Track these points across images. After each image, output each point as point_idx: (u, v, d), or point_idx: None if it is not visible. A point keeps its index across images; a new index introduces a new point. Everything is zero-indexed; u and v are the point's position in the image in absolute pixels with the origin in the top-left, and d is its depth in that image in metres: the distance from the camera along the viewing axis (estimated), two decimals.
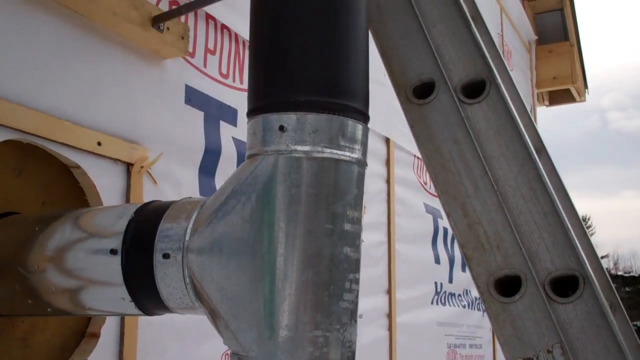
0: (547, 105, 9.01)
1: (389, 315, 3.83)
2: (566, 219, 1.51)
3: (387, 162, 4.07)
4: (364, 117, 1.46)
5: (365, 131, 1.46)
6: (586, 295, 1.44)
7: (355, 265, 1.41)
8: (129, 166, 2.18)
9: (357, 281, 1.41)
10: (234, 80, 2.79)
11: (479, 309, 5.17)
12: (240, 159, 2.69)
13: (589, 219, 32.38)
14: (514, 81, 2.24)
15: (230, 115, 2.71)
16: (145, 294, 1.55)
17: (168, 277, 1.49)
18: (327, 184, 1.38)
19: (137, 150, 2.20)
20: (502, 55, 2.28)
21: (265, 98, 1.45)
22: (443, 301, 4.55)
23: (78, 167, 2.02)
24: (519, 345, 1.46)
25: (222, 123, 2.66)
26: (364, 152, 1.46)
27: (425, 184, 4.50)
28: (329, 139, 1.39)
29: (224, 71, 2.74)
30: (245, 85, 2.85)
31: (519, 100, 2.24)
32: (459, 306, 4.81)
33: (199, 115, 2.55)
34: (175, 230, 1.50)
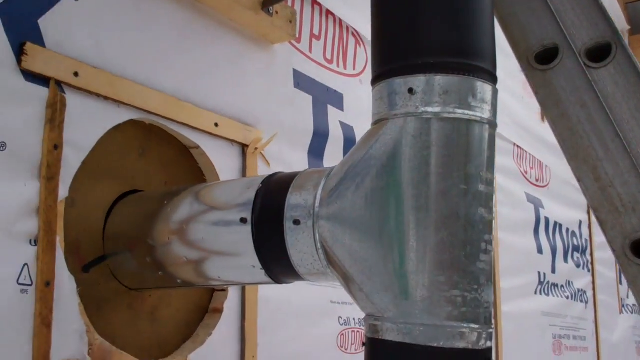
0: None
1: (494, 304, 3.77)
2: None
3: None
4: (493, 78, 1.44)
5: (495, 92, 1.45)
6: None
7: (490, 227, 1.39)
8: (244, 147, 2.22)
9: (491, 242, 1.40)
10: (338, 66, 2.80)
11: (581, 301, 5.04)
12: (347, 143, 2.71)
13: None
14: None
15: (337, 99, 2.73)
16: (276, 261, 1.58)
17: (299, 243, 1.51)
18: (459, 145, 1.37)
19: (251, 132, 2.24)
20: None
21: (393, 62, 1.45)
22: (546, 291, 4.45)
23: (197, 147, 2.07)
24: None
25: (329, 107, 2.68)
26: (494, 113, 1.44)
27: (526, 173, 4.42)
28: (459, 100, 1.38)
29: (329, 56, 2.76)
30: (349, 71, 2.88)
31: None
32: (562, 297, 4.70)
33: (308, 99, 2.58)
34: (305, 198, 1.52)
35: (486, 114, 1.41)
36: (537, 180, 4.53)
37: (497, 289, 3.80)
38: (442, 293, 1.31)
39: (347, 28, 2.87)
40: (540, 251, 4.45)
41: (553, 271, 4.59)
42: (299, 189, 1.55)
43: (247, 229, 1.58)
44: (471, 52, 1.43)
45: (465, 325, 1.31)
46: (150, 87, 1.91)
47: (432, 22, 1.43)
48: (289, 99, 2.49)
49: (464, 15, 1.44)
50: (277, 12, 2.32)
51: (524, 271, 4.21)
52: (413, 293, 1.33)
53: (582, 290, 5.02)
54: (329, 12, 2.77)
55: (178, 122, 1.99)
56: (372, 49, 1.55)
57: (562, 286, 4.72)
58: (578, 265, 5.09)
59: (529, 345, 4.13)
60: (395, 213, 1.37)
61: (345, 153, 2.68)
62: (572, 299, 4.88)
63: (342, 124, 2.74)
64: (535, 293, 4.33)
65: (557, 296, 4.64)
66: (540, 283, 4.39)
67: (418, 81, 1.40)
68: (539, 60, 1.72)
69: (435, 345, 1.30)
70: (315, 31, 2.71)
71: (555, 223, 4.72)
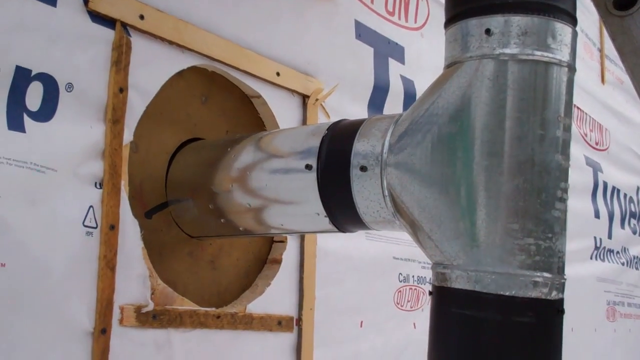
0: None
1: None
2: None
3: None
4: (572, 20, 1.38)
5: (575, 35, 1.39)
6: None
7: (566, 174, 1.34)
8: (304, 98, 2.19)
9: (567, 190, 1.35)
10: (399, 18, 2.74)
11: (637, 268, 4.93)
12: (407, 98, 2.65)
13: None
14: None
15: (398, 52, 2.68)
16: (341, 209, 1.55)
17: (366, 190, 1.48)
18: (537, 88, 1.32)
19: (312, 83, 2.21)
20: None
21: (470, 2, 1.40)
22: (602, 257, 4.36)
23: (259, 96, 2.05)
24: None
25: (390, 60, 2.63)
26: (574, 56, 1.38)
27: (586, 135, 4.31)
28: (537, 41, 1.33)
29: (390, 8, 2.70)
30: (411, 24, 2.82)
31: None
32: (618, 263, 4.60)
33: (369, 51, 2.53)
34: (372, 144, 1.49)
35: (565, 57, 1.35)
36: (596, 144, 4.42)
37: None
38: (515, 241, 1.27)
39: None
40: (597, 216, 4.36)
41: (609, 237, 4.49)
42: (367, 136, 1.52)
43: (312, 175, 1.56)
44: None
45: (538, 274, 1.27)
46: (213, 33, 1.89)
47: None
48: (351, 50, 2.44)
49: None
50: None
51: (580, 235, 4.12)
52: (485, 240, 1.30)
53: (637, 257, 4.91)
54: None
55: (240, 70, 1.96)
56: None
57: (617, 252, 4.62)
58: (635, 232, 4.97)
59: (582, 311, 4.06)
60: (468, 159, 1.33)
61: (405, 108, 2.63)
62: (627, 265, 4.78)
63: (403, 78, 2.68)
64: (591, 258, 4.25)
65: (613, 262, 4.54)
66: (596, 248, 4.30)
67: (495, 21, 1.35)
68: (618, 6, 1.65)
69: (507, 294, 1.26)
70: None
71: (614, 188, 4.61)
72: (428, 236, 1.38)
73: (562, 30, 1.35)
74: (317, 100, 2.20)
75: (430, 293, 1.39)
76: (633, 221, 4.98)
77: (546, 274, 1.28)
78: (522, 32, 1.33)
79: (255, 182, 1.69)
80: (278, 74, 2.07)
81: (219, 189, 1.75)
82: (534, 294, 1.27)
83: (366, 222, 1.54)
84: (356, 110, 2.44)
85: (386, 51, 2.62)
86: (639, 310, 4.89)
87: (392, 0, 2.72)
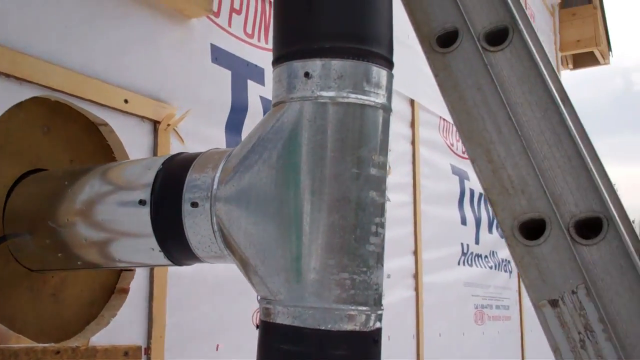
0: (570, 69, 8.90)
1: (415, 276, 3.85)
2: (590, 162, 1.52)
3: (412, 124, 4.06)
4: (388, 63, 1.46)
5: (390, 77, 1.47)
6: (610, 236, 1.44)
7: (381, 209, 1.42)
8: (155, 124, 2.20)
9: (382, 225, 1.43)
10: (259, 40, 2.79)
11: (505, 271, 5.17)
12: None
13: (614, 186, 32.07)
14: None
15: (258, 74, 2.72)
16: (175, 244, 1.58)
17: (197, 226, 1.52)
18: (352, 128, 1.39)
19: (164, 108, 2.22)
20: (524, 6, 2.27)
21: (291, 45, 1.46)
22: (470, 262, 4.55)
23: (106, 124, 2.05)
24: (544, 287, 1.47)
25: (249, 82, 2.67)
26: (389, 98, 1.47)
27: (452, 145, 4.49)
28: (353, 84, 1.40)
29: (249, 31, 2.74)
30: (271, 45, 2.87)
31: (542, 49, 2.23)
32: (485, 267, 4.81)
33: (227, 74, 2.56)
34: (203, 180, 1.52)
35: (380, 99, 1.44)
36: (463, 152, 4.61)
37: (418, 260, 3.87)
38: (331, 276, 1.34)
39: (270, 2, 2.85)
40: (464, 223, 4.55)
41: (477, 242, 4.70)
42: (199, 170, 1.55)
43: (146, 210, 1.58)
44: (367, 37, 1.45)
45: (353, 307, 1.34)
46: (56, 64, 1.88)
47: (329, 7, 1.45)
48: (207, 74, 2.47)
49: (361, 1, 1.45)
50: None
51: (446, 243, 4.29)
52: (304, 276, 1.36)
53: (506, 260, 5.14)
54: None
55: (85, 99, 1.96)
56: (273, 30, 1.56)
57: (485, 257, 4.83)
58: (502, 235, 5.20)
59: (450, 316, 4.23)
60: (292, 196, 1.39)
61: None
62: (496, 269, 5.01)
63: (263, 99, 2.74)
64: (458, 264, 4.43)
65: (481, 267, 4.75)
66: (464, 254, 4.49)
67: (314, 65, 1.41)
68: (440, 44, 1.75)
69: (323, 328, 1.33)
70: (236, 5, 2.69)
71: (480, 194, 4.82)
72: (254, 271, 1.43)
73: (377, 73, 1.44)
74: (168, 125, 2.22)
75: (257, 327, 1.44)
76: None
77: (361, 307, 1.35)
78: (339, 75, 1.40)
79: (96, 215, 1.69)
80: (126, 100, 2.08)
81: (59, 223, 1.74)
82: (349, 327, 1.34)
83: (200, 257, 1.58)
84: (213, 132, 2.48)
85: (245, 73, 2.66)
86: (507, 312, 5.13)
87: (252, 23, 2.77)
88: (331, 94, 1.40)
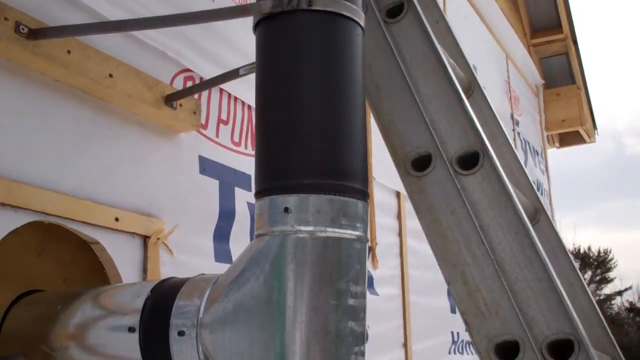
0: (557, 147, 9.09)
1: None
2: (559, 284, 1.59)
3: (399, 216, 4.15)
4: (363, 195, 1.55)
5: (365, 208, 1.55)
6: (581, 358, 1.51)
7: (360, 338, 1.49)
8: (145, 239, 2.28)
9: (362, 353, 1.49)
10: (246, 147, 2.90)
11: None
12: (254, 223, 2.78)
13: (610, 252, 32.12)
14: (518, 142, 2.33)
15: (244, 181, 2.82)
16: None
17: (184, 354, 1.57)
18: (330, 262, 1.47)
19: (153, 223, 2.30)
20: (499, 121, 2.38)
21: (271, 180, 1.55)
22: (460, 350, 4.58)
23: (97, 243, 2.12)
24: None
25: (237, 189, 2.77)
26: (365, 229, 1.55)
27: None
28: (330, 218, 1.48)
29: (236, 139, 2.85)
30: None
31: (517, 163, 2.34)
32: (476, 354, 4.83)
33: (214, 183, 2.66)
34: (190, 308, 1.59)
35: (357, 231, 1.52)
36: None
37: (409, 352, 3.91)
38: None
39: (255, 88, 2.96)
40: (453, 311, 4.59)
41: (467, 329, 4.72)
42: (186, 298, 1.62)
43: (135, 337, 1.64)
44: (343, 172, 1.53)
45: None
46: (49, 189, 1.97)
47: (306, 144, 1.54)
48: (195, 186, 2.56)
49: (336, 137, 1.55)
50: (180, 105, 2.40)
51: (436, 332, 4.33)
52: None
53: None
54: (237, 97, 2.86)
55: (77, 221, 2.04)
56: (255, 163, 1.65)
57: None
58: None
59: None
60: (274, 327, 1.45)
61: (252, 234, 2.76)
62: None
63: (250, 205, 2.82)
64: (449, 353, 4.45)
65: (471, 354, 4.77)
66: (454, 342, 4.52)
67: (293, 200, 1.50)
68: (416, 167, 1.85)
69: None
70: (223, 116, 2.80)
71: None
72: None
73: (354, 206, 1.52)
74: (158, 239, 2.30)
75: None
76: None
77: None
78: (316, 210, 1.48)
79: (88, 339, 1.75)
80: (117, 219, 2.16)
81: (52, 347, 1.80)
82: None
83: None
84: (202, 242, 2.55)
85: (232, 181, 2.76)
86: None
87: (239, 131, 2.88)
88: (309, 228, 1.48)
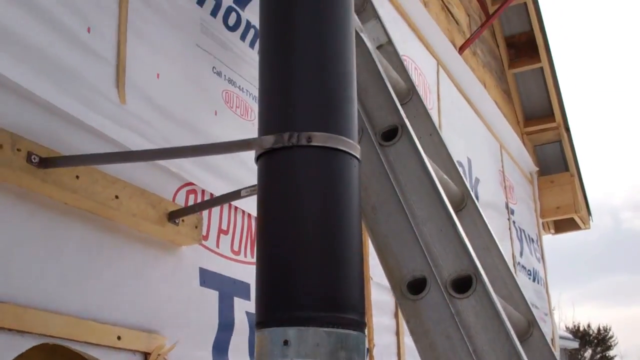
0: (553, 234, 9.15)
1: None
2: None
3: (396, 314, 4.18)
4: (361, 327, 1.60)
5: (363, 338, 1.60)
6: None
7: None
8: (146, 355, 2.32)
9: None
10: (245, 256, 2.96)
11: None
12: (253, 332, 2.82)
13: (609, 329, 31.87)
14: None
15: (243, 290, 2.87)
16: None
17: None
18: None
19: (154, 339, 2.35)
20: (492, 234, 2.45)
21: (270, 313, 1.61)
22: None
23: None
24: None
25: (236, 299, 2.81)
26: (362, 356, 1.59)
27: None
28: (329, 351, 1.53)
29: (236, 248, 2.92)
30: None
31: (510, 276, 2.40)
32: None
33: (214, 294, 2.71)
34: None
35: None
36: None
37: None
38: None
39: (256, 218, 3.04)
40: None
41: None
42: None
43: None
44: (341, 305, 1.59)
45: None
46: (53, 312, 2.02)
47: (305, 277, 1.60)
48: (194, 299, 2.61)
49: (335, 269, 1.61)
50: (183, 221, 2.48)
51: None
52: None
53: None
54: (237, 207, 2.94)
55: (80, 342, 2.08)
56: (255, 293, 1.71)
57: None
58: None
59: None
60: None
61: (250, 344, 2.80)
62: None
63: (248, 314, 2.86)
64: None
65: None
66: None
67: (292, 333, 1.55)
68: (411, 290, 1.91)
69: None
70: (224, 226, 2.87)
71: None
72: None
73: (353, 339, 1.57)
74: (158, 355, 2.34)
75: None
76: None
77: None
78: (315, 343, 1.53)
79: None
80: (119, 337, 2.21)
81: None
82: None
83: None
84: (201, 354, 2.59)
85: (231, 291, 2.81)
86: None
87: (239, 241, 2.94)
88: None
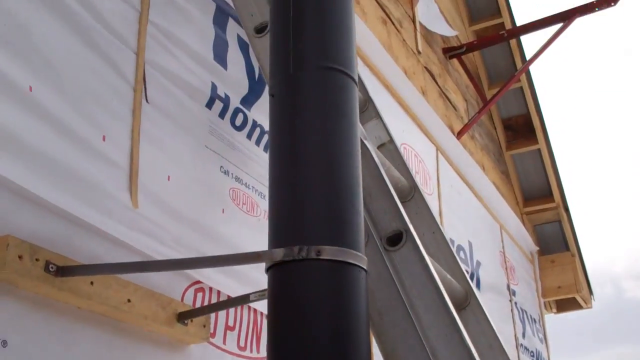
0: (555, 313, 9.14)
1: None
2: None
3: None
4: None
5: None
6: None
7: None
8: None
9: None
10: (251, 351, 3.00)
11: None
12: None
13: None
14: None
15: None
16: None
17: None
18: None
19: None
20: (495, 330, 2.51)
21: None
22: None
23: None
24: None
25: None
26: None
27: None
28: None
29: (242, 344, 2.95)
30: (262, 354, 3.07)
31: None
32: None
33: None
34: None
35: None
36: None
37: None
38: None
39: (262, 314, 3.09)
40: None
41: None
42: None
43: None
44: None
45: None
46: None
47: None
48: None
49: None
50: (191, 321, 2.53)
51: None
52: None
53: None
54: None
55: None
56: None
57: None
58: None
59: None
60: None
61: None
62: None
63: None
64: None
65: None
66: None
67: None
68: None
69: None
70: (230, 323, 2.92)
71: None
72: None
73: None
74: None
75: None
76: None
77: None
78: None
79: None
80: None
81: None
82: None
83: None
84: None
85: None
86: None
87: (244, 336, 2.99)
88: None
